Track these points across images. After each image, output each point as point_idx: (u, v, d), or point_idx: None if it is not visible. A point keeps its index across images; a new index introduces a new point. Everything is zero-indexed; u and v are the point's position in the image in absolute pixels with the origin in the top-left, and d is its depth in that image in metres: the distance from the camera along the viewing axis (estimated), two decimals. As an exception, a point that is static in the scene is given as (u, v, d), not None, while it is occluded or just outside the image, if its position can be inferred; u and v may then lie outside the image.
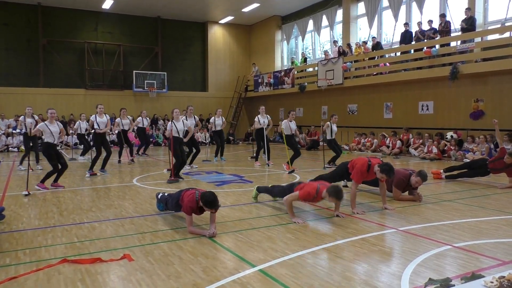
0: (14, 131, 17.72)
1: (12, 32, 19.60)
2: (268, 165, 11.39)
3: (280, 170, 10.65)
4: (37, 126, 8.10)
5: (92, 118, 10.20)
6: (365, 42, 16.64)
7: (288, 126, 10.83)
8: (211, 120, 12.87)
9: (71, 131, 16.00)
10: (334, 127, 11.10)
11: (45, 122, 8.05)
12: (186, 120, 10.14)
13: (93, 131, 10.35)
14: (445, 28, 13.62)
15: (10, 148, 17.11)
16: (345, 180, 7.80)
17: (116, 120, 12.93)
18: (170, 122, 8.98)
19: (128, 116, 12.76)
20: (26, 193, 7.35)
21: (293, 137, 11.09)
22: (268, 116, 11.96)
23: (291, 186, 5.90)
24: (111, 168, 10.88)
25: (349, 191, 7.32)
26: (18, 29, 19.73)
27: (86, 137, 14.12)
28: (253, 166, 11.56)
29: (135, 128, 13.81)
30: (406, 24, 15.22)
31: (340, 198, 5.17)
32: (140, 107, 20.68)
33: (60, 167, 7.97)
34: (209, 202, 4.60)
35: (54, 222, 5.44)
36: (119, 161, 12.46)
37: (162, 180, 8.97)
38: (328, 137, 11.08)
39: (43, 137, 8.14)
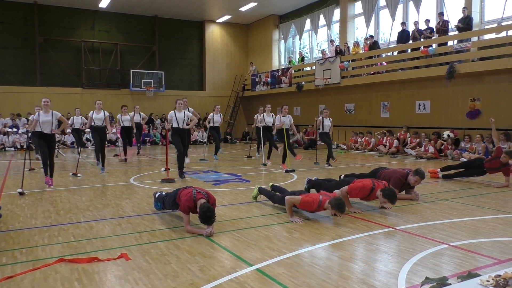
0: (10, 130, 17.65)
1: (8, 30, 19.49)
2: (265, 165, 11.35)
3: (277, 169, 10.65)
4: (32, 117, 8.04)
5: (90, 114, 10.17)
6: (367, 39, 16.57)
7: (280, 120, 10.84)
8: (209, 116, 12.82)
9: (68, 130, 15.95)
10: (326, 121, 11.05)
11: (39, 111, 7.98)
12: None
13: (89, 127, 10.36)
14: (443, 27, 13.64)
15: (6, 148, 17.03)
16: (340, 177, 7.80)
17: (117, 116, 13.06)
18: (172, 111, 9.16)
19: (129, 114, 12.84)
20: (21, 191, 7.32)
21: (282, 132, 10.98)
22: (273, 114, 11.99)
23: (293, 194, 5.86)
24: (111, 167, 10.85)
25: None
26: (14, 27, 19.62)
27: (83, 133, 14.14)
28: (251, 165, 11.56)
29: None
30: (403, 24, 15.24)
31: (342, 211, 5.12)
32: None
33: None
34: (205, 217, 4.59)
35: (51, 221, 5.42)
36: (125, 159, 12.42)
37: (160, 179, 8.95)
38: (320, 130, 11.06)
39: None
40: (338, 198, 5.21)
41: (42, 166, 8.20)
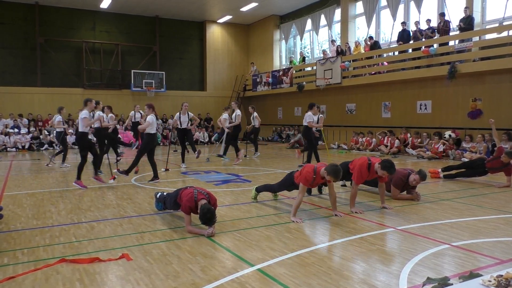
0: (11, 131, 17.67)
1: (9, 30, 19.51)
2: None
3: (277, 169, 10.64)
4: (92, 115, 8.21)
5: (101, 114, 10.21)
6: (366, 40, 16.56)
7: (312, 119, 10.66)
8: (226, 116, 12.93)
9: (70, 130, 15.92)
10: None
11: (86, 111, 8.05)
12: (180, 116, 10.87)
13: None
14: (444, 27, 13.62)
15: (8, 148, 17.05)
16: (343, 180, 7.80)
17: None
18: (177, 113, 10.46)
19: (111, 114, 12.51)
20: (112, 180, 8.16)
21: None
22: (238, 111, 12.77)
23: (289, 175, 5.93)
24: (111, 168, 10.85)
25: (347, 191, 7.35)
26: (15, 27, 19.64)
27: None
28: (251, 165, 11.56)
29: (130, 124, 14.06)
30: (403, 23, 15.23)
31: (338, 177, 5.20)
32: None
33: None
34: (205, 218, 4.61)
35: (52, 221, 5.43)
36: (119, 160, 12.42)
37: (161, 179, 8.96)
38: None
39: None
40: (334, 164, 5.28)
41: (79, 169, 8.09)
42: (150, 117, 8.68)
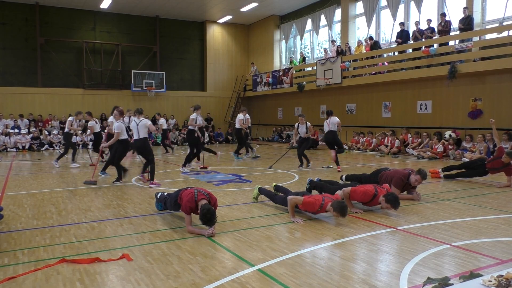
0: (11, 131, 17.67)
1: (10, 31, 19.51)
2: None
3: (277, 169, 10.64)
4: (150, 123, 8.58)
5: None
6: (366, 40, 16.57)
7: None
8: (241, 117, 13.58)
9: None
10: (300, 128, 10.91)
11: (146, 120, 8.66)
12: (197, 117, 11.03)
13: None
14: (445, 28, 13.61)
15: (8, 149, 17.05)
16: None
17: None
18: (194, 113, 10.61)
19: (94, 119, 12.62)
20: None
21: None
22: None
23: (296, 195, 5.82)
24: (111, 169, 10.85)
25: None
26: (15, 28, 19.64)
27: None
28: (252, 166, 11.55)
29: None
30: (401, 24, 15.23)
31: (344, 215, 5.09)
32: (138, 107, 20.63)
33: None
34: (205, 218, 4.61)
35: (53, 222, 5.43)
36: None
37: (161, 179, 8.96)
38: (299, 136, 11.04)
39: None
40: (341, 201, 5.21)
41: (151, 172, 8.44)
42: (117, 125, 8.56)
